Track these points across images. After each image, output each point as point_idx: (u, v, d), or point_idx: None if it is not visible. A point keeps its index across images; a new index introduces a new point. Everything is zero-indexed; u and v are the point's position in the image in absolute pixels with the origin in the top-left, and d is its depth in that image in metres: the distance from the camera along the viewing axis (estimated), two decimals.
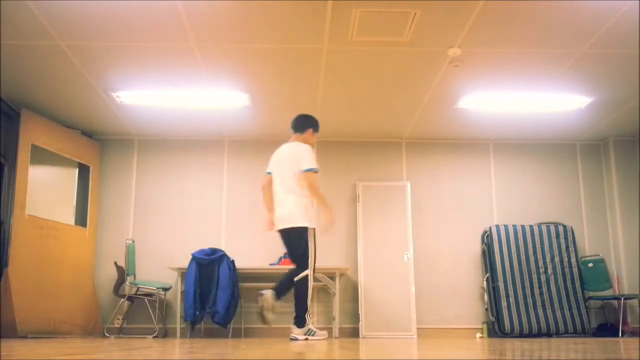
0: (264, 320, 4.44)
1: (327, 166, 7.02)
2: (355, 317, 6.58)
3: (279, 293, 4.51)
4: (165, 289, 6.33)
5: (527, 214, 6.98)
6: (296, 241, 4.61)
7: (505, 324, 6.36)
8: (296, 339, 4.52)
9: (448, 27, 4.47)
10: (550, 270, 6.59)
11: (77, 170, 6.67)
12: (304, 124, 4.87)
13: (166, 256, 6.67)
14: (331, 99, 5.86)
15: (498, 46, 4.77)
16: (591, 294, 6.62)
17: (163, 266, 6.58)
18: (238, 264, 6.24)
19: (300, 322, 4.57)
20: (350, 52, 4.87)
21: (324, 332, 4.73)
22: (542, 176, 7.11)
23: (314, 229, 4.63)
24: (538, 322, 6.37)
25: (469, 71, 5.24)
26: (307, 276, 4.55)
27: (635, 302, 6.62)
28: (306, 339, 4.57)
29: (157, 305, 6.46)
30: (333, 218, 4.48)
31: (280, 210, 4.67)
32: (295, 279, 4.55)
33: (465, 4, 4.15)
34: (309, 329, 4.60)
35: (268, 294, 4.42)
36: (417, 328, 6.51)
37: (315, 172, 4.61)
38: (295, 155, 4.67)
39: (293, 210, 4.59)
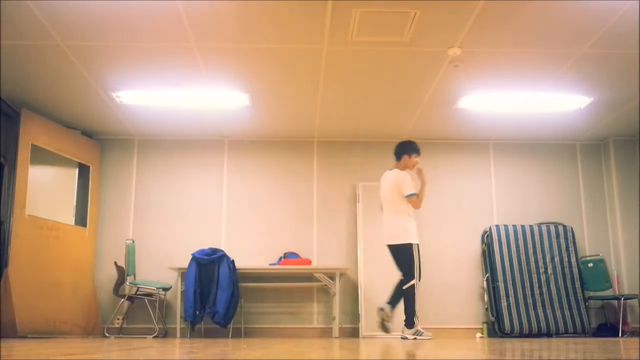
0: (385, 329, 5.05)
1: (327, 166, 7.02)
2: (355, 317, 6.58)
3: (393, 303, 5.13)
4: (165, 289, 6.33)
5: (527, 214, 6.98)
6: (402, 256, 5.23)
7: (505, 324, 6.36)
8: (406, 338, 5.11)
9: (448, 27, 4.47)
10: (550, 270, 6.59)
11: (77, 170, 6.67)
12: (398, 151, 5.45)
13: (166, 256, 6.67)
14: (331, 99, 5.86)
15: (498, 46, 4.77)
16: (591, 294, 6.61)
17: (163, 266, 6.58)
18: (238, 264, 6.23)
19: (409, 324, 5.13)
20: (350, 52, 4.87)
21: (430, 334, 5.18)
22: (542, 176, 7.11)
23: (417, 244, 5.22)
24: (538, 322, 6.36)
25: (469, 71, 5.24)
26: (413, 285, 5.13)
27: (635, 302, 6.62)
28: (415, 338, 5.10)
29: (157, 305, 6.46)
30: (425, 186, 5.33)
31: (386, 229, 5.35)
32: (404, 287, 5.14)
33: (465, 4, 4.14)
34: (417, 330, 5.14)
35: (387, 307, 5.07)
36: None
37: (415, 195, 5.22)
38: (393, 183, 5.30)
39: (397, 229, 5.26)
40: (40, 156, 6.15)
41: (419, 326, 5.15)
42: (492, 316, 6.55)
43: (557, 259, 6.64)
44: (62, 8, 4.17)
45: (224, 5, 4.15)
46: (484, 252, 6.80)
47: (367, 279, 6.58)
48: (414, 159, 5.40)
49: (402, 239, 5.23)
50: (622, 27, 4.45)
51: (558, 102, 5.90)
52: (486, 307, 6.65)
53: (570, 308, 6.45)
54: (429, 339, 5.01)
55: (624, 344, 3.37)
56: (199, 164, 6.98)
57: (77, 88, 5.58)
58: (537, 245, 6.68)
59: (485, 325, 6.59)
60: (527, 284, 6.52)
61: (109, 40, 4.65)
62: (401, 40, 4.65)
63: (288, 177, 6.98)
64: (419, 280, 5.19)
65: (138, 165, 6.95)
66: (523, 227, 6.75)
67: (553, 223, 6.89)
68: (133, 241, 6.51)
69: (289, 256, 6.56)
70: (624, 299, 6.41)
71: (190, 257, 6.08)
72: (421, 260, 5.28)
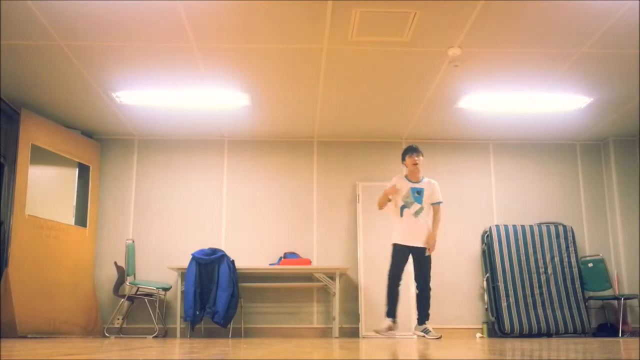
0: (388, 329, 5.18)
1: (327, 166, 7.02)
2: (355, 317, 6.57)
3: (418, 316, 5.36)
4: (165, 289, 6.33)
5: (527, 214, 6.98)
6: None
7: (505, 324, 6.36)
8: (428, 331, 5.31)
9: (448, 27, 4.47)
10: (550, 270, 6.59)
11: (77, 170, 6.67)
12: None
13: (166, 256, 6.67)
14: (331, 99, 5.86)
15: (498, 46, 4.77)
16: (591, 294, 6.61)
17: (163, 266, 6.58)
18: (238, 264, 6.23)
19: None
20: (350, 52, 4.87)
21: (386, 335, 5.23)
22: (542, 176, 7.10)
23: (393, 244, 5.27)
24: (538, 322, 6.36)
25: (469, 71, 5.24)
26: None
27: (635, 302, 6.61)
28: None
29: (157, 305, 6.46)
30: (387, 193, 5.26)
31: None
32: None
33: (465, 4, 4.14)
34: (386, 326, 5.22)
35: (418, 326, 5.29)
36: None
37: (386, 193, 5.25)
38: None
39: None
40: (40, 156, 6.14)
41: (386, 323, 5.17)
42: (492, 316, 6.55)
43: (557, 259, 6.64)
44: (62, 8, 4.17)
45: (224, 5, 4.15)
46: (484, 252, 6.80)
47: (367, 279, 6.57)
48: (408, 160, 5.39)
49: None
50: (622, 27, 4.45)
51: (558, 102, 5.89)
52: (486, 307, 6.64)
53: (570, 308, 6.45)
54: (381, 336, 5.09)
55: (624, 344, 3.37)
56: (199, 164, 6.98)
57: (77, 88, 5.58)
58: (537, 245, 6.67)
59: (485, 325, 6.59)
60: (527, 284, 6.51)
61: (109, 40, 4.65)
62: (401, 40, 4.65)
63: (288, 177, 6.98)
64: (391, 279, 5.20)
65: (138, 165, 6.95)
66: (523, 227, 6.75)
67: (553, 223, 6.89)
68: (133, 241, 6.51)
69: (289, 256, 6.56)
70: (624, 299, 6.40)
71: (190, 257, 6.08)
72: (398, 259, 5.23)
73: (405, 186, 5.33)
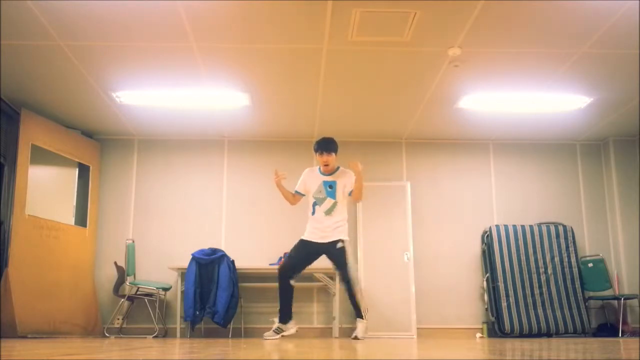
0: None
1: None
2: (355, 317, 6.56)
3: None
4: (165, 289, 6.33)
5: (527, 214, 6.98)
6: None
7: (505, 324, 6.36)
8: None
9: (448, 27, 4.47)
10: (550, 270, 6.59)
11: (77, 170, 6.67)
12: None
13: (166, 256, 6.67)
14: (331, 99, 5.86)
15: (498, 46, 4.77)
16: (591, 294, 6.61)
17: (163, 266, 6.58)
18: (238, 264, 6.23)
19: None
20: (350, 52, 4.87)
21: (278, 335, 4.97)
22: (542, 176, 7.10)
23: (299, 240, 5.05)
24: (538, 322, 6.36)
25: (469, 71, 5.24)
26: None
27: (635, 302, 6.61)
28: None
29: (157, 305, 6.46)
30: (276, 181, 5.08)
31: None
32: None
33: (465, 4, 4.14)
34: (278, 327, 5.01)
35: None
36: (417, 328, 6.51)
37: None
38: None
39: None
40: (40, 156, 6.14)
41: (277, 326, 4.95)
42: (492, 316, 6.55)
43: (557, 259, 6.64)
44: (62, 8, 4.17)
45: (224, 5, 4.15)
46: (484, 252, 6.80)
47: (367, 279, 6.57)
48: (318, 159, 5.00)
49: None
50: (622, 27, 4.45)
51: (558, 102, 5.90)
52: (486, 307, 6.64)
53: (570, 308, 6.45)
54: (269, 339, 4.82)
55: (624, 344, 3.37)
56: (199, 164, 6.98)
57: (77, 88, 5.58)
58: (537, 245, 6.67)
59: (485, 325, 6.59)
60: (527, 284, 6.51)
61: (109, 40, 4.65)
62: (401, 40, 4.65)
63: (288, 177, 6.95)
64: (280, 272, 4.97)
65: (138, 165, 6.95)
66: (523, 227, 6.75)
67: (553, 223, 6.89)
68: (133, 241, 6.51)
69: None
70: (624, 299, 6.41)
71: (190, 257, 6.07)
72: (292, 254, 5.01)
73: (316, 180, 4.96)
